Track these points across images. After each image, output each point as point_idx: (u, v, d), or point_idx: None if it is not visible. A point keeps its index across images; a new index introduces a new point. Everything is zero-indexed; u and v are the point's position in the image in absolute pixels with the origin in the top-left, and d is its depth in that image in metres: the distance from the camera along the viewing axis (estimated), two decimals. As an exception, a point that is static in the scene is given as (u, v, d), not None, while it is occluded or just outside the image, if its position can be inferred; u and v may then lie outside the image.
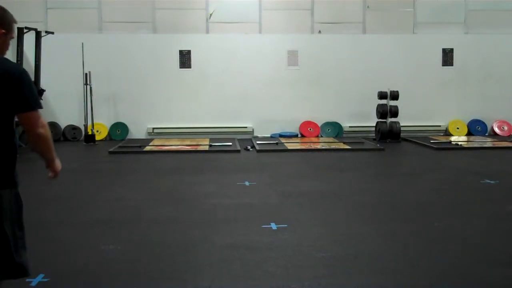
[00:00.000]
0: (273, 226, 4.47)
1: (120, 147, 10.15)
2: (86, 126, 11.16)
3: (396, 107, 11.15)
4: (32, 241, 4.05)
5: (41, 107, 2.56)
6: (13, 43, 10.69)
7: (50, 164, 2.79)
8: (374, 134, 11.68)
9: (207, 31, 12.18)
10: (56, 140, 11.58)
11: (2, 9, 2.71)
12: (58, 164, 2.83)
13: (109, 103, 11.85)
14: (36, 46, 10.49)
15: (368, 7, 12.39)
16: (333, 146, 10.41)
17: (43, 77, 10.70)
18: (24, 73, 2.53)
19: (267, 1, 12.20)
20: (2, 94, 2.40)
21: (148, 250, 3.84)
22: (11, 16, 2.72)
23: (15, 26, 2.76)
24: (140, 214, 4.99)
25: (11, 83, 2.42)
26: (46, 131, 2.56)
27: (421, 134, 11.93)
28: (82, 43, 11.17)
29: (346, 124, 12.26)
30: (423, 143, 10.46)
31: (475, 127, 12.38)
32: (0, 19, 2.65)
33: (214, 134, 11.90)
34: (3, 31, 2.63)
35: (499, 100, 12.43)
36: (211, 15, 12.07)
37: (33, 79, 10.40)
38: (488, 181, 6.53)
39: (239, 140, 11.30)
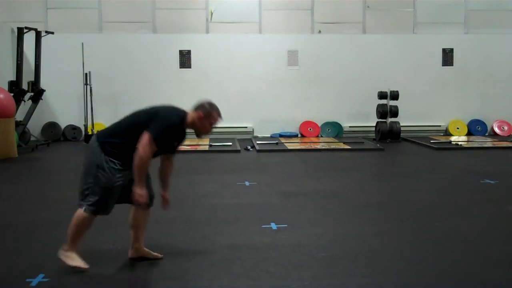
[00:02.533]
0: (273, 226, 4.46)
1: (120, 147, 10.13)
2: (86, 126, 11.16)
3: (396, 107, 11.16)
4: (32, 241, 4.07)
5: (154, 135, 3.22)
6: (13, 43, 10.69)
7: (135, 184, 3.28)
8: (374, 134, 11.68)
9: (207, 31, 12.18)
10: (56, 140, 11.59)
11: (209, 103, 3.47)
12: (139, 190, 3.27)
13: (109, 103, 11.85)
14: (36, 46, 10.50)
15: (368, 7, 12.39)
16: (333, 146, 10.42)
17: (43, 77, 10.71)
18: (162, 115, 3.32)
19: (267, 1, 12.21)
20: (147, 121, 3.30)
21: (148, 250, 3.84)
22: (215, 109, 3.46)
23: (217, 116, 3.46)
24: (140, 214, 4.98)
25: (151, 115, 3.35)
26: (143, 152, 3.20)
27: (421, 134, 11.94)
28: (82, 43, 11.17)
29: (346, 124, 12.26)
30: (423, 143, 10.46)
31: (475, 127, 12.38)
32: (202, 106, 3.43)
33: (214, 134, 11.87)
34: (202, 114, 3.39)
35: (499, 100, 12.43)
36: (211, 15, 12.07)
37: (33, 79, 10.44)
38: (488, 181, 6.53)
39: (239, 140, 11.30)
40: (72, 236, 3.38)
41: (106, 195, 3.32)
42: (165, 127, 3.29)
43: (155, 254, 3.64)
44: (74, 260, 3.37)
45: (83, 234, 3.43)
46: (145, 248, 3.62)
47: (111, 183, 3.30)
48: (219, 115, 3.49)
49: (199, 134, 3.50)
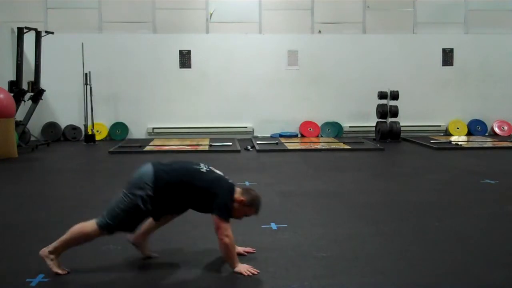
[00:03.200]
0: (273, 226, 4.46)
1: (120, 147, 10.15)
2: (86, 126, 11.16)
3: (396, 107, 11.16)
4: (32, 241, 4.07)
5: (228, 218, 3.29)
6: (13, 43, 10.72)
7: (233, 268, 3.36)
8: (374, 134, 11.68)
9: (207, 31, 12.18)
10: (56, 140, 11.59)
11: (258, 197, 3.49)
12: (240, 268, 3.34)
13: (109, 103, 11.86)
14: (36, 46, 10.50)
15: (368, 7, 12.39)
16: (333, 146, 10.41)
17: (43, 77, 10.71)
18: (224, 197, 3.33)
19: (267, 1, 12.21)
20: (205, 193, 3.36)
21: (148, 250, 3.84)
22: (257, 206, 3.47)
23: (254, 212, 3.49)
24: (140, 214, 4.98)
25: (210, 191, 3.37)
26: (228, 239, 3.27)
27: (421, 134, 11.94)
28: (82, 43, 11.17)
29: (346, 124, 12.27)
30: (423, 143, 10.46)
31: (475, 127, 12.38)
32: (249, 194, 3.43)
33: (214, 134, 11.90)
34: (245, 201, 3.39)
35: (499, 100, 12.44)
36: (211, 15, 12.07)
37: (33, 79, 10.44)
38: (488, 181, 6.53)
39: (239, 140, 11.30)
40: (68, 243, 3.32)
41: (129, 219, 3.30)
42: (230, 208, 3.34)
43: (152, 253, 3.65)
44: (57, 266, 3.31)
45: (77, 246, 3.39)
46: (145, 243, 3.65)
47: (139, 211, 3.29)
48: (256, 212, 3.51)
49: (236, 216, 3.52)
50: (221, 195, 3.31)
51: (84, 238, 3.33)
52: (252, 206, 3.43)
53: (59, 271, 3.30)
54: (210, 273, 3.39)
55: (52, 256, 3.32)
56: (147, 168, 3.34)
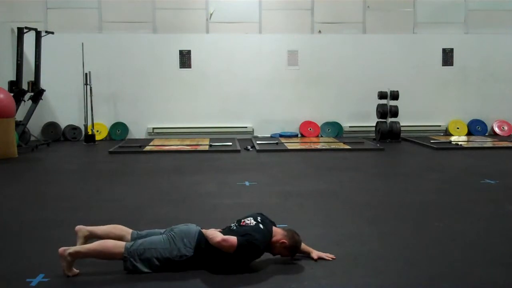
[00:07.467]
0: (273, 226, 4.46)
1: (120, 147, 10.15)
2: (86, 126, 11.16)
3: (396, 107, 11.15)
4: (32, 241, 4.07)
5: (240, 245, 3.27)
6: (13, 43, 10.72)
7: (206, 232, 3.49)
8: (374, 134, 11.68)
9: (207, 31, 12.18)
10: (56, 140, 11.59)
11: (300, 243, 3.55)
12: (211, 233, 3.45)
13: (109, 103, 11.86)
14: (36, 46, 10.50)
15: (368, 7, 12.39)
16: (333, 146, 10.41)
17: (43, 77, 10.71)
18: (249, 243, 3.33)
19: (267, 1, 12.20)
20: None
21: (148, 250, 3.83)
22: (295, 251, 3.54)
23: (289, 255, 3.54)
24: (140, 214, 4.99)
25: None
26: (224, 244, 3.30)
27: (421, 134, 11.94)
28: (82, 43, 11.17)
29: (346, 124, 12.26)
30: (423, 143, 10.46)
31: (475, 127, 12.38)
32: (293, 239, 3.48)
33: (214, 134, 11.90)
34: (286, 244, 3.46)
35: (499, 100, 12.44)
36: (211, 15, 12.07)
37: (33, 79, 10.45)
38: (488, 181, 6.53)
39: (239, 140, 11.30)
40: (92, 253, 3.33)
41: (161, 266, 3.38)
42: (252, 250, 3.35)
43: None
44: (70, 269, 3.30)
45: (98, 259, 3.41)
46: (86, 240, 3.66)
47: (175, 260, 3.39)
48: (293, 255, 3.55)
49: (270, 251, 3.54)
50: (254, 242, 3.36)
51: (107, 256, 3.37)
52: (289, 251, 3.50)
53: (70, 274, 3.28)
54: (210, 273, 3.39)
55: (70, 259, 3.28)
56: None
